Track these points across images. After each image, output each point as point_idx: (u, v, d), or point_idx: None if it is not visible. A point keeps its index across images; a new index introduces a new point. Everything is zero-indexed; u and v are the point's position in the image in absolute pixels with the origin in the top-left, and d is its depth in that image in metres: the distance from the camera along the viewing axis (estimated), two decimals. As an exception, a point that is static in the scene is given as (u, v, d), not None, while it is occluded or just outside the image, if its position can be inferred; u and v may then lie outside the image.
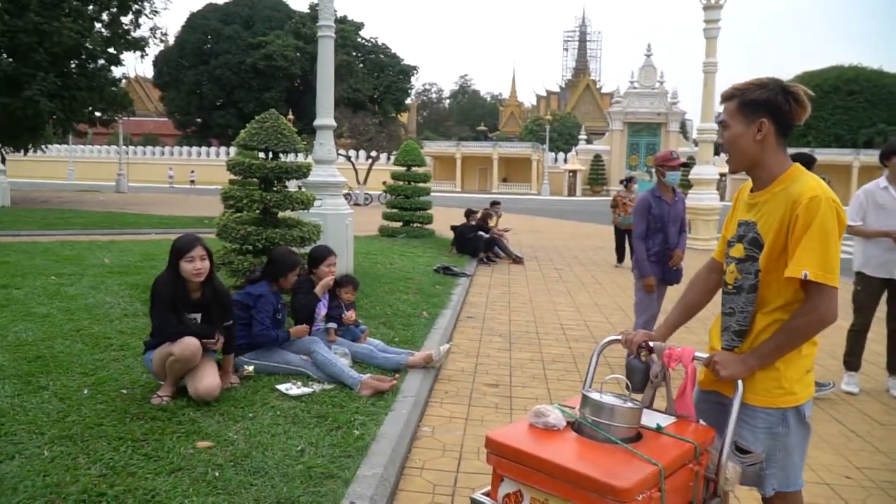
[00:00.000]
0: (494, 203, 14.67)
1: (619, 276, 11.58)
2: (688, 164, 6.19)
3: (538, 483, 2.03)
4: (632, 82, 56.31)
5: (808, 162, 4.75)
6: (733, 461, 2.23)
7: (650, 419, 2.26)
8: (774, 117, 2.22)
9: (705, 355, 2.35)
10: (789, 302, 2.25)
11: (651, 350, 2.46)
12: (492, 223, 13.95)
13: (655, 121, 55.26)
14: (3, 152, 25.46)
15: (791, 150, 2.42)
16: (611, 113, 57.48)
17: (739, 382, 2.24)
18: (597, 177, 56.53)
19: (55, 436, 3.56)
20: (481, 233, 13.21)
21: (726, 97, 2.31)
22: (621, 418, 2.12)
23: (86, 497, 2.95)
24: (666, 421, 2.28)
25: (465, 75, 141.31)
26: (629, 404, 2.16)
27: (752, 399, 2.28)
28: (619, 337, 2.57)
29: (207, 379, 4.17)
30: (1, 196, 22.47)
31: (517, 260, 12.95)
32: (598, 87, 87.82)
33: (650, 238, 5.82)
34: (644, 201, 5.85)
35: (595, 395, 2.17)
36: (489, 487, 2.21)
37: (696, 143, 48.01)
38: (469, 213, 14.02)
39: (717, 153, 12.49)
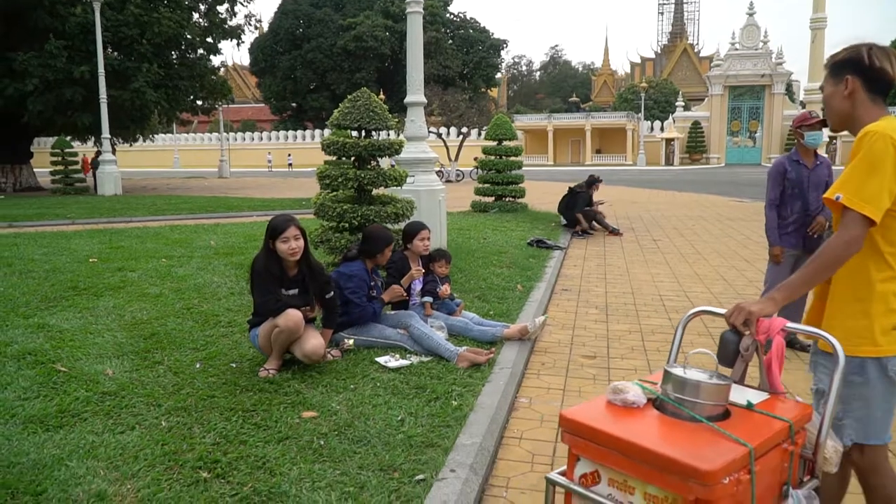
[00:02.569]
0: (593, 182, 14.07)
1: (722, 246, 11.17)
2: (826, 123, 5.75)
3: (616, 464, 1.91)
4: (732, 43, 53.65)
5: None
6: (833, 439, 2.11)
7: (740, 395, 2.10)
8: (859, 73, 2.30)
9: (797, 326, 2.25)
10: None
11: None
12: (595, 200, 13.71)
13: (759, 83, 52.52)
14: (114, 143, 26.95)
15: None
16: (710, 77, 55.05)
17: (839, 349, 2.07)
18: (696, 144, 54.42)
19: (171, 407, 3.78)
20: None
21: (825, 66, 2.45)
22: (707, 395, 1.97)
23: (201, 464, 3.12)
24: (758, 397, 2.12)
25: (556, 46, 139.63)
26: (715, 380, 2.01)
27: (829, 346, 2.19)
28: (709, 308, 2.43)
29: (313, 339, 4.35)
30: (113, 185, 23.86)
31: (614, 232, 12.69)
32: (696, 50, 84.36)
33: (788, 205, 5.44)
34: (779, 166, 5.50)
35: (678, 370, 2.04)
36: (566, 467, 2.10)
37: (803, 104, 45.45)
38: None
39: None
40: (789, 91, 54.75)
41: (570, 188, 13.36)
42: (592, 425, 1.97)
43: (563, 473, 2.10)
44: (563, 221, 13.27)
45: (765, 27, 58.99)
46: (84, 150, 31.18)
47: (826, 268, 2.20)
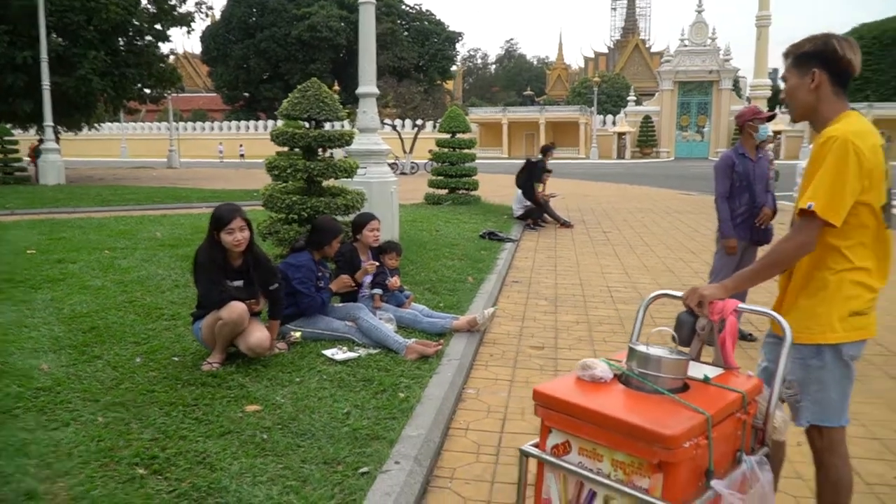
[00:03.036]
0: (549, 149, 13.86)
1: (669, 238, 11.37)
2: (774, 115, 5.83)
3: (586, 433, 2.06)
4: (682, 40, 54.55)
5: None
6: (780, 410, 2.25)
7: (697, 371, 2.27)
8: (826, 66, 2.33)
9: (748, 307, 2.36)
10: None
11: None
12: (539, 188, 13.73)
13: (707, 79, 53.54)
14: (58, 131, 26.11)
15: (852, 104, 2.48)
16: (661, 72, 55.89)
17: (787, 329, 2.23)
18: (647, 138, 55.24)
19: (109, 403, 3.68)
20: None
21: (785, 55, 2.46)
22: (668, 369, 2.14)
23: (138, 460, 3.04)
24: (713, 372, 2.28)
25: (511, 39, 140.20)
26: (675, 356, 2.17)
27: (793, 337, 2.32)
28: (668, 292, 2.58)
29: (258, 332, 4.28)
30: (56, 174, 23.07)
31: (565, 224, 12.81)
32: (647, 46, 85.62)
33: (736, 198, 5.53)
34: (727, 159, 5.58)
35: (641, 348, 2.19)
36: (537, 440, 2.25)
37: (749, 100, 46.48)
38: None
39: (770, 109, 12.04)
40: (736, 87, 55.88)
41: (527, 159, 13.39)
42: (565, 398, 2.12)
43: (535, 446, 2.25)
44: (516, 214, 13.33)
45: (713, 24, 60.04)
46: (26, 138, 30.09)
47: (777, 265, 2.34)
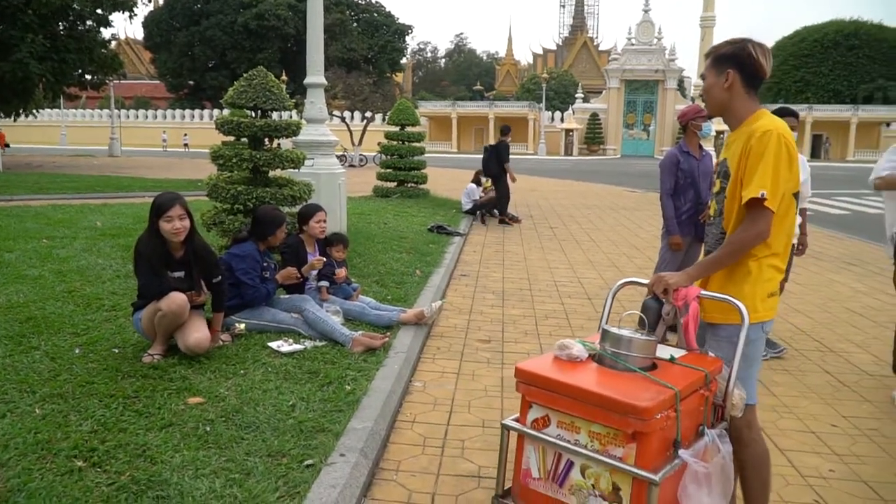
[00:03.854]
0: (507, 130, 13.71)
1: (614, 234, 11.58)
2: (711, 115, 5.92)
3: (565, 407, 2.26)
4: (629, 39, 55.50)
5: (786, 113, 4.68)
6: (739, 389, 2.44)
7: (664, 352, 2.47)
8: (739, 68, 2.52)
9: (711, 293, 2.52)
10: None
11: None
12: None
13: (653, 78, 54.62)
14: (-7, 117, 25.17)
15: (781, 106, 2.69)
16: (608, 71, 56.76)
17: (745, 313, 2.38)
18: (594, 136, 56.07)
19: (46, 394, 3.58)
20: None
21: (706, 55, 2.65)
22: (638, 349, 2.34)
23: (76, 452, 2.97)
24: (678, 353, 2.49)
25: (461, 34, 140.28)
26: (645, 336, 2.39)
27: (717, 318, 2.55)
28: (635, 280, 2.81)
29: (197, 332, 4.19)
30: (-8, 161, 22.30)
31: (513, 220, 12.91)
32: (595, 44, 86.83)
33: (681, 195, 5.64)
34: (672, 157, 5.67)
35: (615, 329, 2.40)
36: (517, 415, 2.46)
37: (693, 99, 47.49)
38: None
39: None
40: (681, 86, 57.14)
41: (488, 146, 13.25)
42: (546, 375, 2.33)
43: (516, 420, 2.45)
44: (465, 208, 13.38)
45: (659, 24, 61.12)
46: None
47: (737, 254, 2.49)
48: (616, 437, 2.15)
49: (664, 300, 2.56)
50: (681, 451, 2.18)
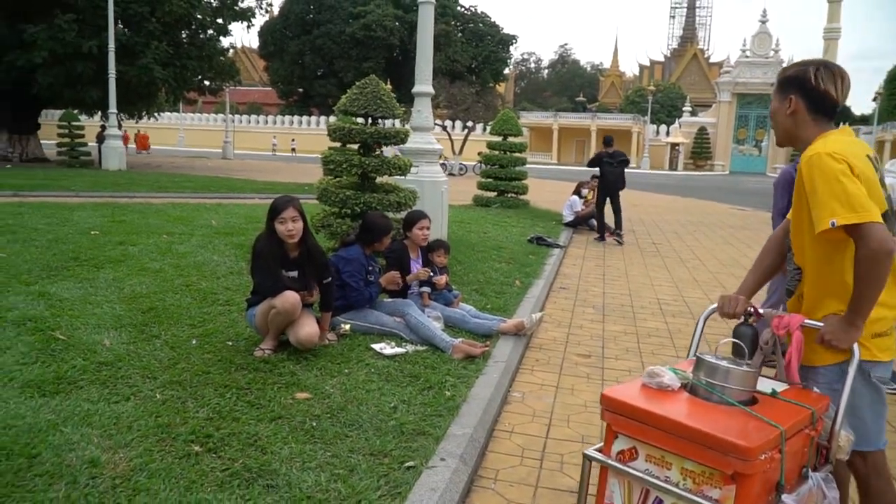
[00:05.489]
0: (610, 141, 13.54)
1: (722, 253, 11.19)
2: (780, 144, 5.63)
3: (655, 440, 2.06)
4: (743, 50, 53.60)
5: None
6: (846, 430, 2.22)
7: (763, 385, 2.27)
8: (802, 93, 2.37)
9: (815, 323, 2.31)
10: (822, 260, 2.32)
11: (760, 314, 2.45)
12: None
13: (768, 92, 52.32)
14: (120, 118, 26.89)
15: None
16: (719, 83, 54.99)
17: (855, 347, 2.21)
18: (701, 150, 54.40)
19: (166, 381, 3.80)
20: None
21: (777, 78, 2.53)
22: (737, 381, 2.13)
23: (193, 437, 3.14)
24: (780, 387, 2.28)
25: (565, 44, 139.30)
26: (745, 368, 2.16)
27: (812, 360, 2.34)
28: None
29: (308, 327, 4.36)
30: (118, 160, 23.86)
31: (614, 233, 12.66)
32: (705, 56, 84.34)
33: None
34: (787, 175, 5.42)
35: (710, 358, 2.19)
36: (601, 444, 2.26)
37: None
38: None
39: (835, 125, 11.74)
40: (798, 102, 54.63)
41: (619, 157, 12.17)
42: (634, 404, 2.13)
43: (599, 450, 2.25)
44: (566, 220, 13.26)
45: (777, 36, 58.95)
46: (92, 125, 31.16)
47: (875, 284, 2.18)
48: (713, 476, 1.96)
49: (755, 326, 2.38)
50: (784, 496, 1.99)
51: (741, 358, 2.31)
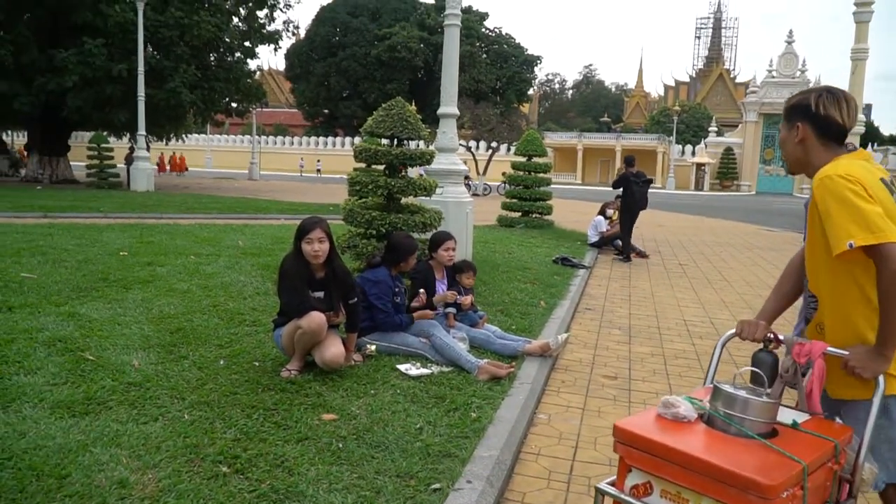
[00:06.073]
0: (632, 160, 12.98)
1: (749, 275, 11.06)
2: (791, 172, 5.54)
3: (670, 475, 1.97)
4: (770, 71, 53.27)
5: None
6: (870, 462, 2.14)
7: (784, 415, 2.16)
8: (809, 120, 2.35)
9: (839, 351, 2.23)
10: (839, 286, 2.25)
11: (780, 341, 2.37)
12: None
13: (794, 112, 52.05)
14: (148, 140, 27.41)
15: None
16: (745, 103, 54.64)
17: (880, 378, 2.13)
18: (727, 171, 53.96)
19: (194, 401, 3.83)
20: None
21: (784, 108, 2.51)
22: (757, 412, 2.03)
23: (221, 458, 3.15)
24: (801, 418, 2.17)
25: (590, 65, 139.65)
26: (765, 398, 2.06)
27: (846, 394, 2.26)
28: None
29: (333, 347, 4.37)
30: (146, 181, 24.27)
31: (640, 254, 12.60)
32: (731, 76, 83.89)
33: None
34: None
35: (728, 388, 2.08)
36: (614, 477, 2.16)
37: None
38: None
39: (863, 145, 11.69)
40: (826, 122, 54.10)
41: (643, 178, 12.24)
42: (648, 436, 2.02)
43: (612, 484, 2.14)
44: (591, 240, 13.21)
45: (803, 56, 58.41)
46: (120, 146, 31.79)
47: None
48: None
49: (775, 353, 2.31)
50: None
51: (760, 386, 2.21)
